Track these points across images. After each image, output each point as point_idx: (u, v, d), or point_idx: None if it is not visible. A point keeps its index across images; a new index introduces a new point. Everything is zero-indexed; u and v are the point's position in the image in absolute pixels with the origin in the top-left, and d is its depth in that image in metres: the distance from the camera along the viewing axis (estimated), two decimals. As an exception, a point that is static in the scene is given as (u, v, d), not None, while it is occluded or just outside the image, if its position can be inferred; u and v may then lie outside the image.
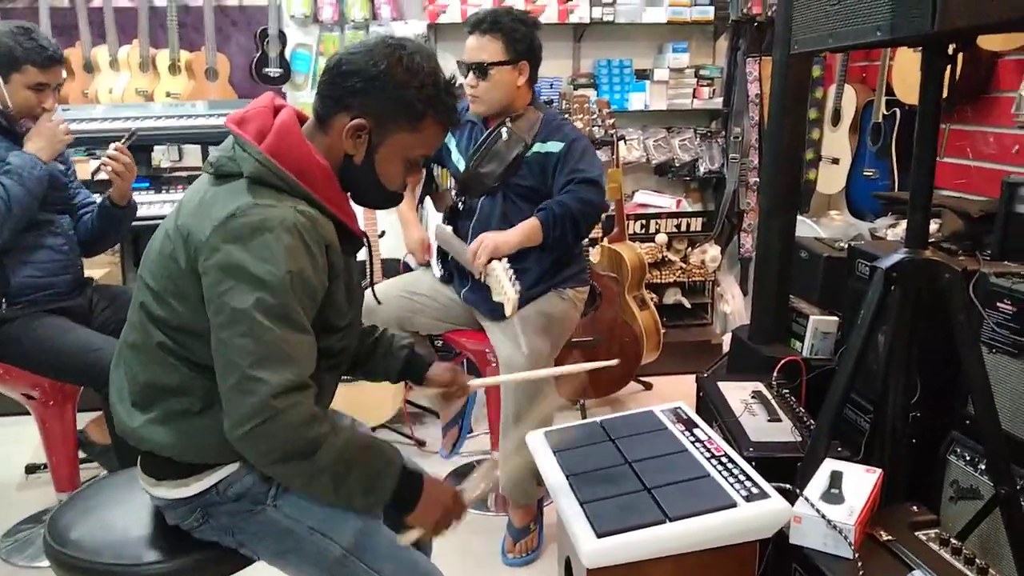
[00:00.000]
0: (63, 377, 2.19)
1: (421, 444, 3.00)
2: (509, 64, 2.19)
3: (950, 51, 1.54)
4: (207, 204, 1.25)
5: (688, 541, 1.37)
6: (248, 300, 1.17)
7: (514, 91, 2.24)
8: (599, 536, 1.35)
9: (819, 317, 2.45)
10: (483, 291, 2.32)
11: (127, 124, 2.97)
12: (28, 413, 2.35)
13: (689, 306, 3.81)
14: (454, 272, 2.43)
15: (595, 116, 3.06)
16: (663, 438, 1.67)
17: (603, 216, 3.47)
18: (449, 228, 2.37)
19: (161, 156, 3.47)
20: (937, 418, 2.00)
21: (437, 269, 2.48)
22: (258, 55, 3.64)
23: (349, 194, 1.39)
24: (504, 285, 1.98)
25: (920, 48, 1.57)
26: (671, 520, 1.37)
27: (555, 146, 2.23)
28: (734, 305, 3.84)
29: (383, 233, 3.18)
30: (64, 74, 2.26)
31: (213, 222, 1.21)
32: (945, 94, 1.57)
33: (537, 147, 2.25)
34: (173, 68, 3.54)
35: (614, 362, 1.71)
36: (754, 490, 1.43)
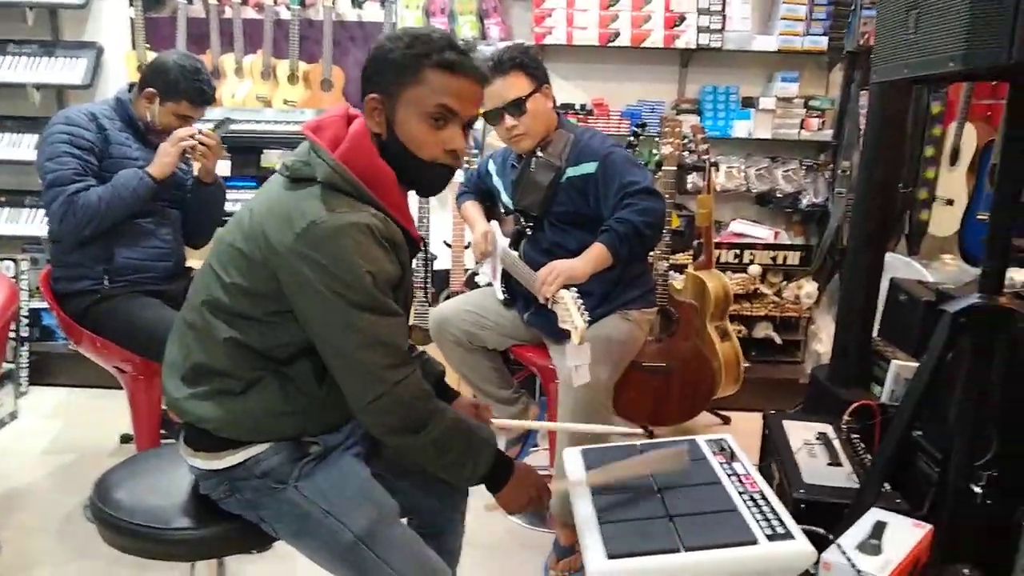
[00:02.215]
0: (150, 355, 2.35)
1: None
2: (538, 92, 2.22)
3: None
4: (284, 207, 1.33)
5: (700, 572, 1.32)
6: (336, 298, 1.26)
7: (550, 114, 2.26)
8: (609, 557, 1.33)
9: (901, 362, 2.31)
10: (547, 315, 2.33)
11: (243, 126, 3.19)
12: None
13: (780, 342, 3.67)
14: (517, 295, 2.46)
15: (687, 141, 3.01)
16: (699, 468, 1.61)
17: (693, 241, 3.43)
18: (515, 253, 2.39)
19: (273, 159, 3.68)
20: (1016, 480, 1.85)
21: (500, 292, 2.51)
22: (371, 68, 3.79)
23: (411, 189, 1.45)
24: (573, 314, 1.98)
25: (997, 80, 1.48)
26: (686, 550, 1.33)
27: (589, 167, 2.21)
28: (828, 345, 3.66)
29: (468, 244, 3.25)
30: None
31: (295, 229, 1.28)
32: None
33: (570, 171, 2.24)
34: (292, 78, 3.75)
35: (638, 430, 1.78)
36: (780, 529, 1.37)
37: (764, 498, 1.49)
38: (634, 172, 2.17)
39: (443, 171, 1.42)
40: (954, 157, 3.43)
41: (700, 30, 3.65)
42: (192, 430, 1.41)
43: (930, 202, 3.56)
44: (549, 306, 2.07)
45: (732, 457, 1.67)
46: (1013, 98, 1.46)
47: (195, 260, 2.73)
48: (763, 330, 3.68)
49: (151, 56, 2.43)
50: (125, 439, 3.00)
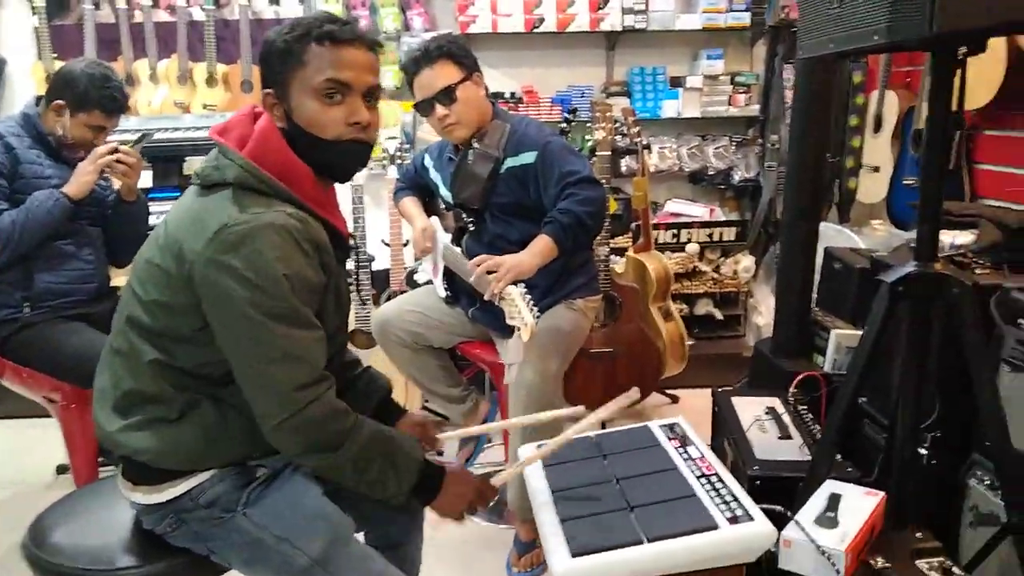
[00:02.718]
0: (81, 382, 2.24)
1: (439, 453, 2.99)
2: (468, 80, 2.18)
3: (960, 54, 1.47)
4: (197, 215, 1.27)
5: (665, 563, 1.32)
6: (249, 306, 1.20)
7: (483, 103, 2.23)
8: (573, 555, 1.31)
9: (841, 331, 2.35)
10: (492, 310, 2.30)
11: (162, 135, 3.06)
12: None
13: (721, 317, 3.72)
14: (460, 292, 2.42)
15: (619, 124, 3.01)
16: (654, 455, 1.62)
17: (631, 224, 3.44)
18: (458, 250, 2.35)
19: (189, 167, 3.55)
20: (958, 440, 1.90)
21: (442, 290, 2.47)
22: (292, 66, 3.69)
23: (328, 177, 1.39)
24: (522, 311, 1.95)
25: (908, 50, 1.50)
26: (648, 541, 1.32)
27: (528, 157, 2.19)
28: (768, 317, 3.73)
29: (407, 242, 3.20)
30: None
31: (206, 234, 1.22)
32: (957, 98, 1.50)
33: (509, 162, 2.21)
34: (210, 80, 3.63)
35: (580, 409, 1.70)
36: (739, 512, 1.37)
37: (721, 480, 1.49)
38: (573, 161, 2.15)
39: (354, 147, 1.35)
40: (877, 125, 3.50)
41: (624, 12, 3.66)
42: (129, 463, 1.35)
43: (857, 170, 3.64)
44: (496, 303, 2.04)
45: (686, 441, 1.67)
46: (936, 67, 1.47)
47: (120, 279, 2.62)
48: (704, 307, 3.73)
49: (59, 66, 2.31)
50: (61, 470, 2.87)
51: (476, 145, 2.23)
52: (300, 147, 1.33)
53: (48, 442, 3.03)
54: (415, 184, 2.58)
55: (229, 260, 1.20)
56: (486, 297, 2.06)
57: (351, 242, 1.46)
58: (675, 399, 3.39)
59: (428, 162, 2.50)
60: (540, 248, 2.09)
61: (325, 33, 1.29)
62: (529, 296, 1.94)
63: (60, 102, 2.23)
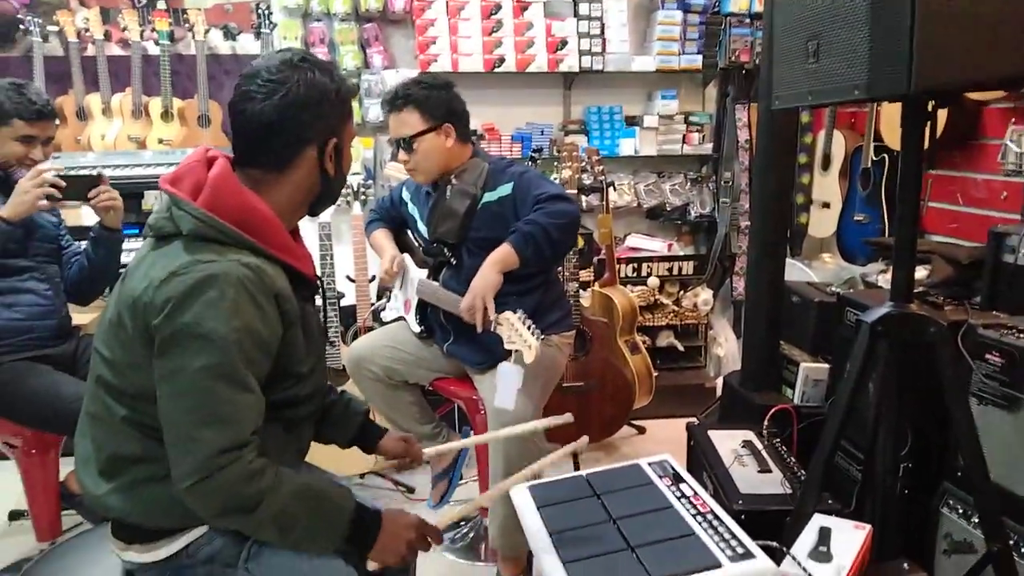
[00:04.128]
0: (44, 427, 2.17)
1: (411, 491, 2.96)
2: (431, 132, 2.20)
3: (929, 107, 1.56)
4: (150, 267, 1.24)
5: (671, 603, 1.33)
6: (192, 359, 1.16)
7: (445, 153, 2.24)
8: (581, 598, 1.32)
9: (810, 365, 2.43)
10: (468, 343, 2.30)
11: (118, 172, 2.99)
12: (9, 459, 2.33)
13: (682, 349, 3.79)
14: (434, 327, 2.42)
15: (584, 163, 3.07)
16: (649, 493, 1.63)
17: (593, 259, 3.49)
18: (436, 284, 2.35)
19: (152, 203, 3.47)
20: (930, 470, 1.98)
21: (415, 325, 2.46)
22: (251, 102, 3.66)
23: (316, 208, 1.41)
24: (523, 334, 1.97)
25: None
26: (654, 582, 1.34)
27: (505, 189, 2.22)
28: (727, 348, 3.82)
29: (373, 278, 3.18)
30: (55, 127, 2.28)
31: (153, 282, 1.19)
32: (927, 145, 1.59)
33: (487, 197, 2.24)
34: (166, 115, 3.56)
35: (567, 417, 1.79)
36: (739, 550, 1.40)
37: (717, 518, 1.52)
38: (546, 185, 2.20)
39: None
40: (826, 163, 3.65)
41: (582, 53, 3.74)
42: (119, 524, 1.30)
43: (807, 206, 3.79)
44: (492, 330, 2.04)
45: (677, 479, 1.70)
46: (907, 119, 1.56)
47: (84, 317, 2.54)
48: (665, 339, 3.80)
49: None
50: (14, 516, 2.73)
51: (454, 181, 2.25)
52: (331, 189, 1.38)
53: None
54: (389, 216, 2.58)
55: (177, 308, 1.17)
56: (479, 329, 2.07)
57: (318, 282, 1.43)
58: (642, 430, 3.43)
59: (406, 195, 2.50)
60: (498, 257, 2.10)
61: (350, 89, 1.37)
62: (529, 319, 1.96)
63: None
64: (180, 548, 1.28)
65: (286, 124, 1.29)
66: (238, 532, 1.28)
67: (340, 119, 1.35)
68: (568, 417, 1.82)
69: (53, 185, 2.13)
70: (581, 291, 3.27)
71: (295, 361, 1.31)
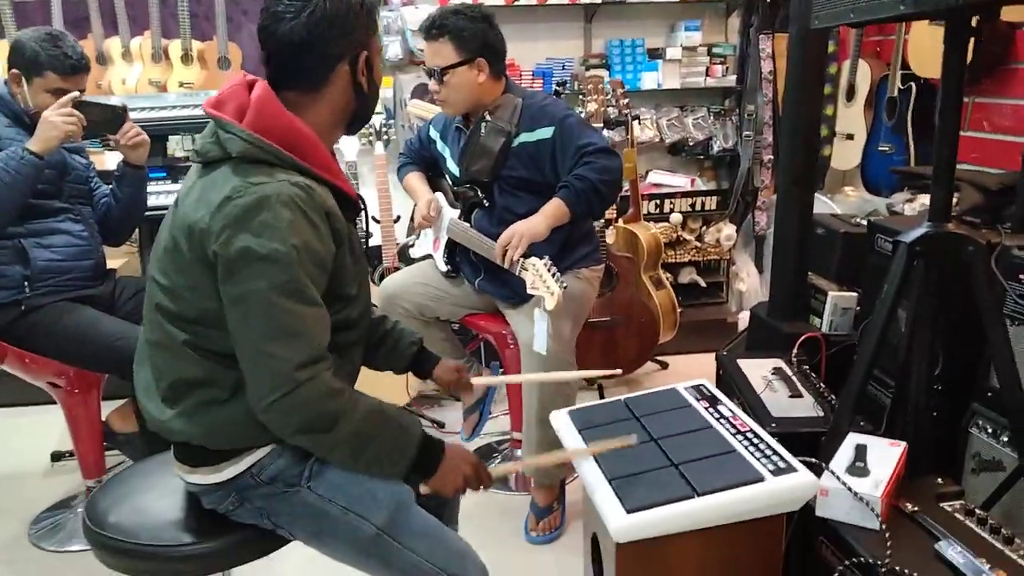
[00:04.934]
0: (89, 365, 2.22)
1: (440, 426, 3.03)
2: (464, 64, 2.18)
3: (973, 23, 1.54)
4: (202, 192, 1.26)
5: (717, 515, 1.38)
6: (257, 280, 1.19)
7: (476, 88, 2.22)
8: (628, 512, 1.36)
9: (838, 293, 2.44)
10: (500, 278, 2.33)
11: (143, 115, 2.99)
12: (50, 403, 2.39)
13: (704, 285, 3.81)
14: (463, 266, 2.44)
15: (609, 96, 3.05)
16: (687, 415, 1.68)
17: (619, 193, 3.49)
18: (466, 224, 2.37)
19: (175, 146, 3.49)
20: (958, 391, 2.01)
21: (442, 264, 2.48)
22: (269, 42, 3.63)
23: (352, 127, 1.42)
24: (547, 280, 2.00)
25: (938, 22, 1.56)
26: (700, 495, 1.38)
27: (545, 132, 2.20)
28: (749, 283, 3.83)
29: (398, 218, 3.19)
30: (86, 80, 2.28)
31: (210, 208, 1.22)
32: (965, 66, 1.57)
33: (523, 137, 2.22)
34: (185, 58, 3.54)
35: (617, 372, 1.85)
36: (781, 464, 1.44)
37: (757, 436, 1.56)
38: (590, 134, 2.18)
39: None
40: (850, 93, 3.60)
41: (603, -17, 3.67)
42: (184, 447, 1.34)
43: (831, 138, 3.75)
44: (517, 273, 2.07)
45: (715, 401, 1.74)
46: (951, 36, 1.54)
47: (116, 260, 2.57)
48: (687, 275, 3.81)
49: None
50: (56, 457, 2.82)
51: (488, 118, 2.24)
52: (364, 104, 1.37)
53: (37, 431, 2.99)
54: (420, 158, 2.58)
55: (234, 232, 1.19)
56: (504, 265, 2.09)
57: (360, 202, 1.45)
58: (665, 365, 3.47)
59: (433, 133, 2.50)
60: (552, 211, 2.13)
61: (374, 1, 1.32)
62: (553, 266, 1.98)
63: (15, 71, 2.19)
64: (244, 468, 1.33)
65: (316, 41, 1.29)
66: (300, 451, 1.32)
67: (367, 32, 1.35)
68: (617, 372, 1.87)
69: (76, 106, 2.13)
70: (605, 228, 3.28)
71: (344, 283, 1.34)
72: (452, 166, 2.40)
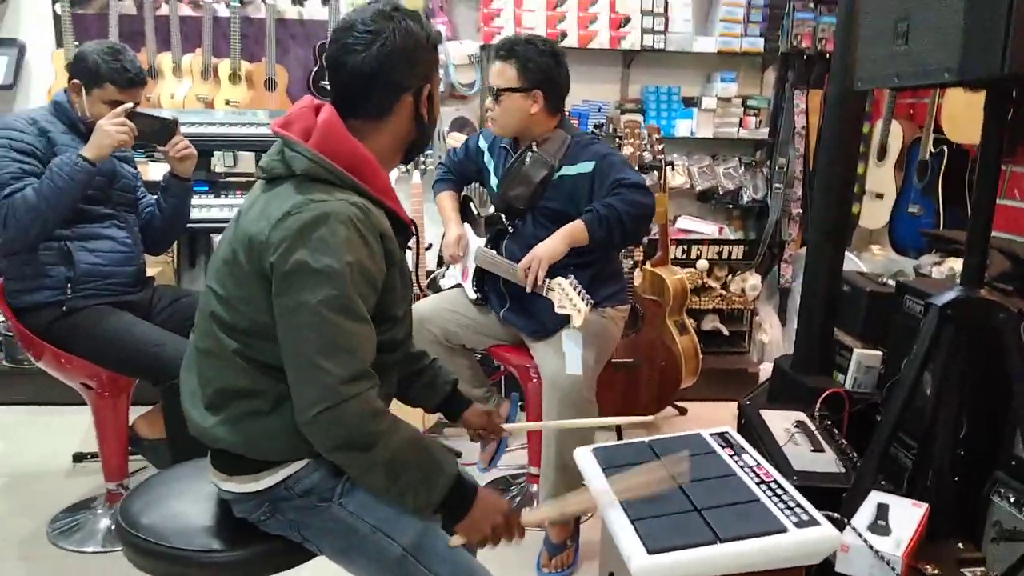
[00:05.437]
0: (123, 369, 2.27)
1: (458, 455, 3.03)
2: (521, 91, 2.24)
3: (1014, 94, 1.58)
4: (264, 207, 1.31)
5: (737, 563, 1.39)
6: (310, 294, 1.22)
7: (527, 117, 2.27)
8: (650, 552, 1.38)
9: (863, 351, 2.45)
10: (524, 310, 2.36)
11: (190, 129, 3.07)
12: (75, 403, 2.44)
13: (727, 333, 3.82)
14: (490, 294, 2.48)
15: (644, 141, 3.10)
16: (711, 461, 1.69)
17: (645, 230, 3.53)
18: (492, 251, 2.41)
19: (217, 161, 3.57)
20: (982, 457, 2.00)
21: (471, 292, 2.52)
22: (316, 68, 3.73)
23: (410, 154, 1.47)
24: (574, 299, 2.03)
25: (975, 90, 1.60)
26: (722, 541, 1.39)
27: (586, 166, 2.25)
28: (772, 335, 3.84)
29: (430, 246, 3.24)
30: (143, 94, 2.37)
31: (270, 221, 1.26)
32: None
33: (564, 170, 2.27)
34: (233, 77, 3.64)
35: (649, 418, 1.93)
36: (804, 516, 1.45)
37: (781, 487, 1.57)
38: (629, 172, 2.23)
39: None
40: (882, 153, 3.64)
41: (644, 31, 3.75)
42: (222, 455, 1.37)
43: (860, 196, 3.78)
44: (544, 294, 2.10)
45: (740, 449, 1.75)
46: (991, 104, 1.57)
47: (150, 268, 2.63)
48: (711, 322, 3.83)
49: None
50: (78, 458, 2.85)
51: (535, 149, 2.30)
52: (424, 135, 1.43)
53: (59, 431, 3.04)
54: (460, 171, 2.62)
55: (293, 246, 1.23)
56: (528, 289, 2.13)
57: (413, 229, 1.49)
58: (684, 411, 3.47)
59: (483, 144, 2.56)
60: (569, 231, 2.16)
61: (439, 36, 1.41)
62: (580, 285, 2.02)
63: (76, 81, 2.27)
64: (280, 480, 1.35)
65: (385, 74, 1.34)
66: (335, 467, 1.34)
67: (431, 65, 1.40)
68: (649, 418, 1.89)
69: (129, 116, 2.20)
70: (633, 269, 3.31)
71: (393, 304, 1.37)
72: (493, 181, 2.46)
